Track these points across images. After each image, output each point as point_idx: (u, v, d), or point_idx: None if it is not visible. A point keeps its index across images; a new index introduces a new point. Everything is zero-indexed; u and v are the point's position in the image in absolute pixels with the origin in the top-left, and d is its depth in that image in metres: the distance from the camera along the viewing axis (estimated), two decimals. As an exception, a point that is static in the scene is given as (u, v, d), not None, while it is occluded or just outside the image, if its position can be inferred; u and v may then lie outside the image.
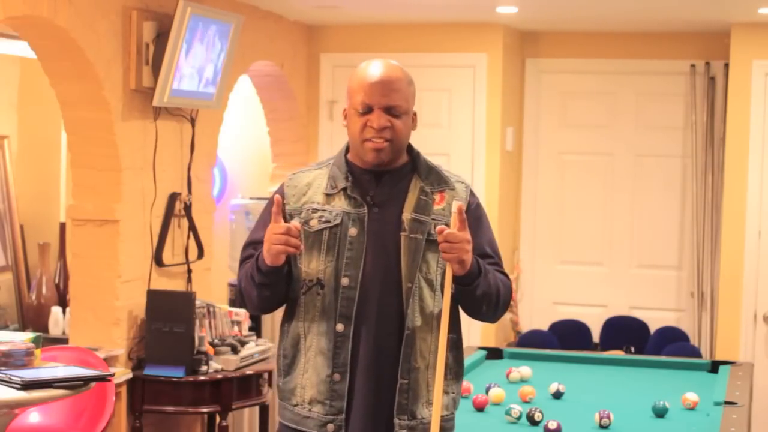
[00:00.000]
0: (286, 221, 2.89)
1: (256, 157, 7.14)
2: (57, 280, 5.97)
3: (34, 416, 4.63)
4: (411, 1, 6.06)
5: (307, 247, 2.88)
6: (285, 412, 2.95)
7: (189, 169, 5.59)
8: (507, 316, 7.02)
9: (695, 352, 6.47)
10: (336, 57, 6.95)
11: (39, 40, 4.82)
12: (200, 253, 5.67)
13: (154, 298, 5.17)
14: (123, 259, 5.10)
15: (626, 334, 6.88)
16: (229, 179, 7.03)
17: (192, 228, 5.58)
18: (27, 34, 4.82)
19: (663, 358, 5.51)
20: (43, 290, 5.87)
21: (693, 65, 6.96)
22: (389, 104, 2.87)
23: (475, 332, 6.82)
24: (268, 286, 2.87)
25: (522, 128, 7.30)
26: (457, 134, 6.87)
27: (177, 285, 5.51)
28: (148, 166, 5.26)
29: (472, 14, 6.49)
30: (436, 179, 2.97)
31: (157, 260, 5.35)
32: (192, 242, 5.61)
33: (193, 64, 5.23)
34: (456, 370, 2.97)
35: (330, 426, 2.86)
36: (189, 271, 5.61)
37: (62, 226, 6.03)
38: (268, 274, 2.84)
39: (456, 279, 2.83)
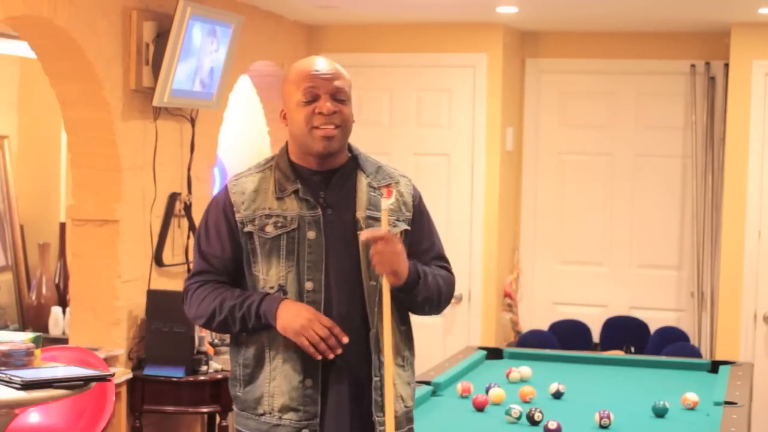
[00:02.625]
0: (235, 229, 2.86)
1: (256, 157, 7.13)
2: (57, 280, 5.97)
3: (34, 416, 4.63)
4: (411, 1, 6.06)
5: (264, 253, 2.84)
6: (248, 422, 2.89)
7: (189, 169, 5.59)
8: (507, 316, 7.02)
9: (695, 352, 6.47)
10: (336, 57, 6.83)
11: (39, 40, 4.82)
12: (200, 253, 5.66)
13: (154, 298, 5.17)
14: (123, 259, 5.10)
15: (626, 334, 6.88)
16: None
17: (192, 228, 5.58)
18: (27, 34, 4.83)
19: (663, 358, 5.51)
20: (43, 290, 5.87)
21: (693, 65, 6.96)
22: (335, 88, 2.86)
23: (475, 332, 6.83)
24: (255, 331, 2.85)
25: (522, 128, 7.31)
26: (457, 134, 6.87)
27: (177, 285, 5.51)
28: (148, 166, 5.26)
29: (472, 14, 6.49)
30: (381, 174, 2.96)
31: (157, 260, 5.35)
32: (192, 242, 5.61)
33: (193, 64, 5.23)
34: (411, 360, 2.99)
35: (304, 431, 2.84)
36: (189, 271, 5.61)
37: (62, 226, 6.03)
38: (267, 327, 2.82)
39: (395, 288, 2.84)
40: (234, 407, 2.96)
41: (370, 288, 2.85)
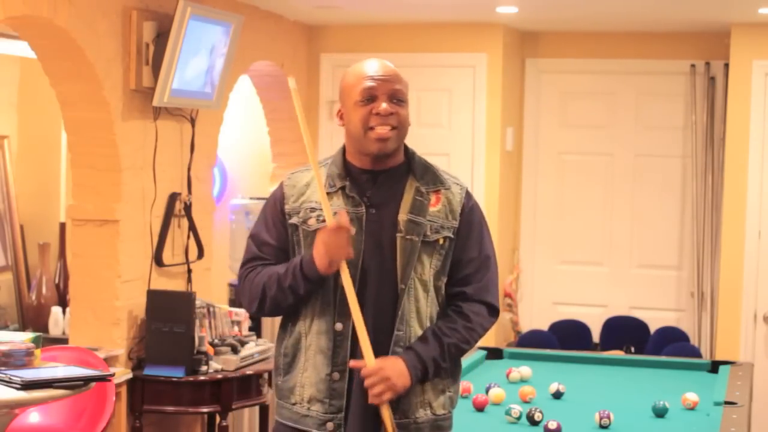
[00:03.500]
0: (284, 220, 2.92)
1: (256, 157, 7.14)
2: (57, 280, 5.97)
3: (34, 416, 4.63)
4: (411, 1, 6.06)
5: (306, 245, 2.89)
6: (283, 411, 2.95)
7: (189, 169, 5.59)
8: (507, 316, 7.02)
9: (695, 352, 6.47)
10: (336, 57, 6.95)
11: (39, 40, 4.82)
12: (200, 253, 5.67)
13: (154, 298, 5.17)
14: (123, 259, 5.10)
15: (626, 334, 6.88)
16: (229, 179, 7.03)
17: (192, 228, 5.58)
18: (27, 34, 4.82)
19: (663, 358, 5.51)
20: (43, 290, 5.87)
21: (693, 65, 6.96)
22: (394, 90, 2.87)
23: (475, 332, 6.82)
24: (309, 294, 2.87)
25: (522, 128, 7.31)
26: (457, 134, 6.87)
27: (177, 285, 5.51)
28: (148, 166, 5.26)
29: (472, 14, 6.49)
30: (432, 179, 2.96)
31: (157, 260, 5.35)
32: (192, 242, 5.61)
33: (193, 64, 5.23)
34: (452, 369, 2.97)
35: (329, 424, 2.87)
36: (189, 271, 5.61)
37: (62, 226, 6.03)
38: (318, 282, 2.84)
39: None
40: (274, 397, 3.00)
41: (402, 291, 2.86)
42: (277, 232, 2.95)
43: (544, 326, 7.01)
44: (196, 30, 5.15)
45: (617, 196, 7.18)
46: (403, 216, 2.88)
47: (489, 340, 6.75)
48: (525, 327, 7.12)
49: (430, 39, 6.86)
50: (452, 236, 2.92)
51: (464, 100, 6.85)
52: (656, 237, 7.11)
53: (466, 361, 4.96)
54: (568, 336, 6.84)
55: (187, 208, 5.54)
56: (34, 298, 5.87)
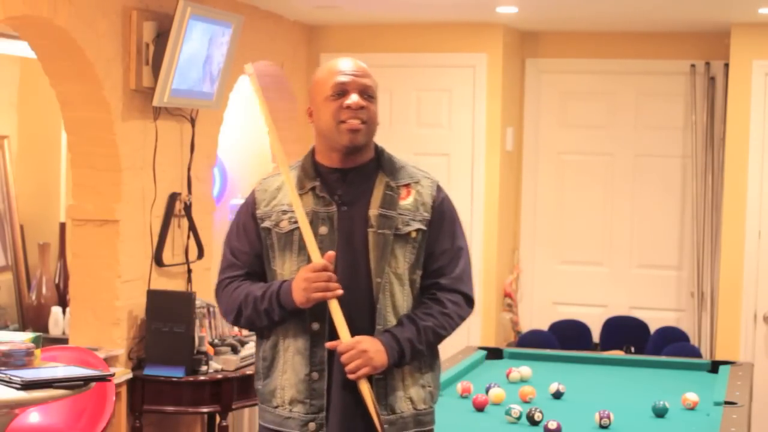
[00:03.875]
0: (257, 225, 2.94)
1: (256, 157, 7.14)
2: (57, 280, 5.96)
3: (34, 416, 4.63)
4: (411, 1, 6.06)
5: (279, 248, 2.91)
6: (266, 415, 2.96)
7: (189, 169, 5.59)
8: (507, 316, 7.02)
9: (695, 352, 6.47)
10: (336, 57, 6.92)
11: (39, 40, 4.82)
12: (200, 253, 5.67)
13: (154, 298, 5.17)
14: (123, 259, 5.10)
15: (626, 334, 6.88)
16: (229, 179, 7.02)
17: (192, 228, 5.58)
18: (27, 34, 4.82)
19: (663, 358, 5.51)
20: (43, 290, 5.87)
21: (693, 65, 6.96)
22: (364, 85, 2.91)
23: (475, 332, 6.82)
24: (283, 320, 2.89)
25: (522, 128, 7.31)
26: (457, 134, 6.87)
27: (177, 285, 5.51)
28: (148, 166, 5.26)
29: (472, 14, 6.49)
30: (401, 174, 2.98)
31: (157, 260, 5.35)
32: (192, 242, 5.61)
33: (193, 64, 5.22)
34: (430, 362, 2.98)
35: (311, 425, 2.88)
36: (189, 271, 5.61)
37: (62, 226, 6.03)
38: (293, 312, 2.86)
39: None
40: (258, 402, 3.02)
41: (377, 285, 2.86)
42: (250, 239, 2.97)
43: (544, 326, 7.01)
44: (196, 30, 5.15)
45: (617, 196, 7.18)
46: (374, 211, 2.90)
47: (489, 340, 6.75)
48: (525, 327, 7.12)
49: (430, 39, 6.86)
50: (424, 228, 2.93)
51: (464, 100, 6.85)
52: (656, 237, 7.11)
53: (466, 361, 4.97)
54: (568, 336, 6.84)
55: (187, 208, 5.54)
56: (34, 298, 5.87)
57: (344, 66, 2.94)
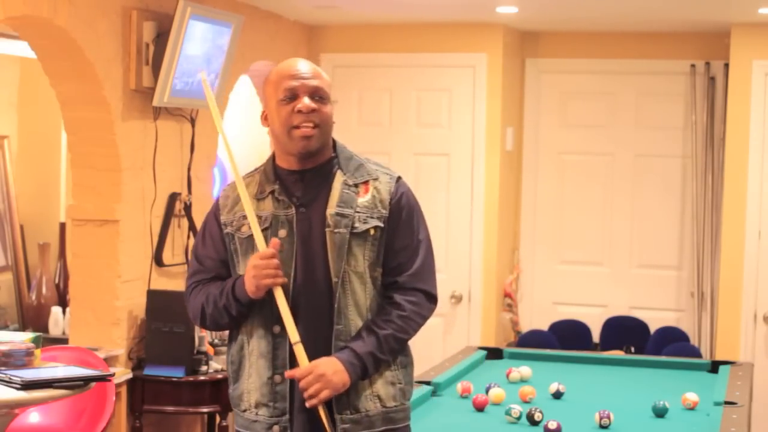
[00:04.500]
0: (221, 231, 2.96)
1: (256, 157, 7.14)
2: (57, 280, 5.97)
3: (34, 416, 4.63)
4: (411, 1, 6.06)
5: (242, 252, 2.92)
6: (237, 419, 2.98)
7: (189, 169, 5.59)
8: (507, 316, 7.02)
9: (695, 352, 6.47)
10: (336, 57, 6.95)
11: (39, 40, 4.82)
12: (200, 253, 5.66)
13: (154, 298, 5.17)
14: (123, 259, 5.10)
15: (626, 334, 6.88)
16: (229, 179, 7.03)
17: (192, 228, 5.58)
18: (27, 34, 4.82)
19: (663, 358, 5.51)
20: (43, 290, 5.87)
21: (693, 65, 6.96)
22: (314, 87, 2.89)
23: (475, 332, 6.83)
24: (243, 315, 2.90)
25: (522, 128, 7.31)
26: (457, 134, 6.87)
27: (177, 285, 5.51)
28: (148, 166, 5.26)
29: (472, 14, 6.49)
30: (359, 171, 2.95)
31: (157, 260, 5.35)
32: (192, 242, 5.61)
33: (193, 64, 5.22)
34: (401, 359, 2.96)
35: (275, 428, 2.87)
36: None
37: (62, 226, 6.03)
38: (248, 304, 2.87)
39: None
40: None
41: (335, 284, 2.86)
42: (216, 245, 2.98)
43: (544, 326, 7.01)
44: (196, 30, 5.15)
45: (617, 196, 7.18)
46: (330, 210, 2.89)
47: (489, 340, 6.75)
48: (525, 327, 7.12)
49: (430, 39, 6.86)
50: (382, 225, 2.90)
51: (464, 100, 6.85)
52: (656, 237, 7.11)
53: (466, 361, 4.97)
54: (568, 336, 6.84)
55: (187, 208, 5.55)
56: (34, 298, 5.87)
57: (294, 69, 2.90)
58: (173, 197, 5.46)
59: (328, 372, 2.79)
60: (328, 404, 2.84)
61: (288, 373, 2.83)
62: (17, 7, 4.34)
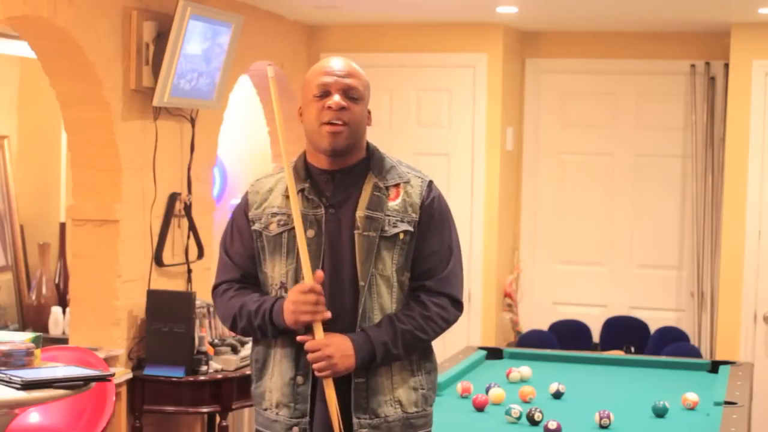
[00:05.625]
0: (249, 227, 2.93)
1: (256, 157, 7.14)
2: (57, 280, 5.97)
3: (34, 416, 4.63)
4: (411, 1, 6.06)
5: (269, 251, 2.90)
6: (258, 417, 2.98)
7: (189, 169, 5.59)
8: (507, 316, 7.02)
9: (695, 352, 6.47)
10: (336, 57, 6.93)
11: (39, 40, 4.82)
12: (200, 253, 5.67)
13: (154, 298, 5.17)
14: (123, 259, 5.10)
15: (626, 334, 6.88)
16: (229, 179, 7.03)
17: (192, 228, 5.58)
18: (27, 34, 4.82)
19: (663, 358, 5.51)
20: (43, 290, 5.87)
21: (693, 65, 6.96)
22: (347, 86, 2.87)
23: (475, 332, 6.83)
24: (276, 337, 2.90)
25: (522, 128, 7.31)
26: (457, 134, 6.87)
27: (177, 285, 5.51)
28: (148, 166, 5.26)
29: (472, 14, 6.49)
30: (391, 174, 2.93)
31: (157, 260, 5.35)
32: (192, 242, 5.61)
33: (193, 64, 5.22)
34: (423, 363, 2.96)
35: (295, 429, 2.87)
36: (189, 271, 5.61)
37: (62, 226, 6.03)
38: (284, 331, 2.86)
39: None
40: None
41: (361, 288, 2.85)
42: (244, 240, 2.96)
43: (544, 326, 7.01)
44: (196, 30, 5.15)
45: (617, 196, 7.18)
46: (360, 213, 2.87)
47: (489, 340, 6.76)
48: (525, 327, 7.12)
49: (430, 39, 6.86)
50: (412, 230, 2.88)
51: (464, 100, 6.86)
52: (656, 237, 7.11)
53: (466, 361, 4.97)
54: (568, 336, 6.84)
55: (187, 208, 5.55)
56: (34, 298, 5.87)
57: (331, 66, 2.90)
58: (173, 197, 5.46)
59: (335, 355, 2.78)
60: (344, 406, 2.83)
61: (300, 337, 2.81)
62: (17, 7, 4.34)
